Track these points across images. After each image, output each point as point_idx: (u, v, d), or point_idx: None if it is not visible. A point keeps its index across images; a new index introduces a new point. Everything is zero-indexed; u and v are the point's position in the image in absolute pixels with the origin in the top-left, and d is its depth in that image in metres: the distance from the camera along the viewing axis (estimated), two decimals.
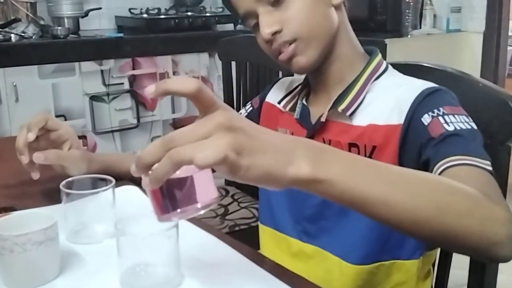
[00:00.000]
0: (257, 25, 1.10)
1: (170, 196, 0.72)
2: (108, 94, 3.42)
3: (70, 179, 1.04)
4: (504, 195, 1.07)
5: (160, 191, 0.71)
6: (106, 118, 3.45)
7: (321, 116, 1.12)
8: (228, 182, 2.28)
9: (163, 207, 0.72)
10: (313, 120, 1.14)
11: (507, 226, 0.79)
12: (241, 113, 1.34)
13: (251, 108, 1.33)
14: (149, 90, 0.70)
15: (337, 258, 1.11)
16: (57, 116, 3.25)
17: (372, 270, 1.09)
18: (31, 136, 1.16)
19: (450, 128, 0.96)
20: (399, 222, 0.75)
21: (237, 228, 1.91)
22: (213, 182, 0.74)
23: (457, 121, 0.98)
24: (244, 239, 1.03)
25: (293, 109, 1.20)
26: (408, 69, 1.22)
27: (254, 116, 1.30)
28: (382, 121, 1.05)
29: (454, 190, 0.79)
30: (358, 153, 1.07)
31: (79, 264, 0.94)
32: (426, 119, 1.00)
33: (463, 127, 0.97)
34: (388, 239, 1.08)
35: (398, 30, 3.42)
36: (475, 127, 0.98)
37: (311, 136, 1.13)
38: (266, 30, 1.07)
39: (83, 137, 3.39)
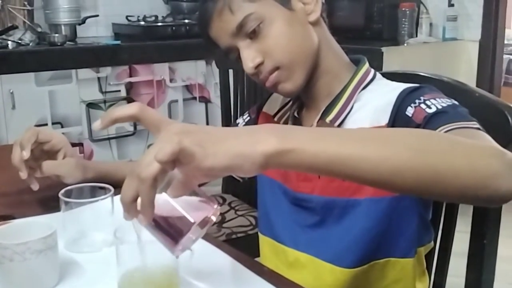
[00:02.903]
0: (240, 58, 1.10)
1: (168, 229, 0.73)
2: (105, 102, 3.42)
3: (69, 187, 1.05)
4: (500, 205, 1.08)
5: (158, 228, 0.73)
6: None
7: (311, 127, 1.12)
8: (225, 190, 2.28)
9: (170, 241, 0.74)
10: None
11: (500, 156, 0.75)
12: (238, 123, 1.34)
13: (248, 117, 1.33)
14: (96, 124, 0.72)
15: (329, 264, 1.11)
16: (53, 123, 3.25)
17: (366, 270, 1.10)
18: (26, 154, 1.20)
19: (432, 109, 0.97)
20: (379, 175, 0.73)
21: (234, 236, 1.91)
22: (203, 197, 0.77)
23: (438, 102, 0.98)
24: (241, 247, 1.03)
25: (286, 122, 1.20)
26: (405, 78, 1.22)
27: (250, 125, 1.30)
28: (368, 124, 1.06)
29: (429, 134, 0.78)
30: None
31: (78, 272, 0.94)
32: (409, 111, 1.00)
33: (444, 104, 0.97)
34: (381, 240, 1.08)
35: (394, 39, 3.43)
36: (456, 102, 0.99)
37: None
38: (249, 64, 1.07)
39: (79, 145, 3.39)
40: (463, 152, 0.74)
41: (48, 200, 1.22)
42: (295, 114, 1.18)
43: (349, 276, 1.10)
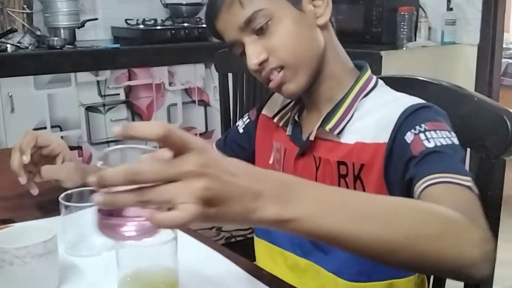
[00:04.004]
0: (244, 53, 1.10)
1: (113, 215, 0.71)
2: (104, 105, 3.43)
3: (69, 191, 1.05)
4: (499, 208, 1.08)
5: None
6: (101, 129, 3.45)
7: (310, 134, 1.12)
8: None
9: (105, 222, 0.71)
10: (305, 137, 1.15)
11: (482, 246, 0.78)
12: (238, 125, 1.34)
13: (248, 120, 1.33)
14: (116, 129, 0.68)
15: (332, 274, 1.11)
16: (52, 126, 3.25)
17: (369, 286, 1.09)
18: (26, 159, 1.21)
19: (431, 144, 0.96)
20: (371, 254, 0.76)
21: (233, 240, 1.91)
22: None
23: (438, 137, 0.97)
24: (240, 251, 1.04)
25: (286, 124, 1.20)
26: (404, 82, 1.23)
27: (251, 128, 1.30)
28: (370, 139, 1.05)
29: (426, 214, 0.78)
30: (347, 171, 1.07)
31: (78, 276, 0.95)
32: (409, 137, 0.99)
33: (444, 143, 0.96)
34: None
35: (393, 42, 3.44)
36: (456, 142, 0.98)
37: (302, 153, 1.14)
38: (253, 61, 1.07)
39: (78, 148, 3.39)
40: (453, 240, 0.77)
41: (48, 204, 1.23)
42: (296, 117, 1.18)
43: None
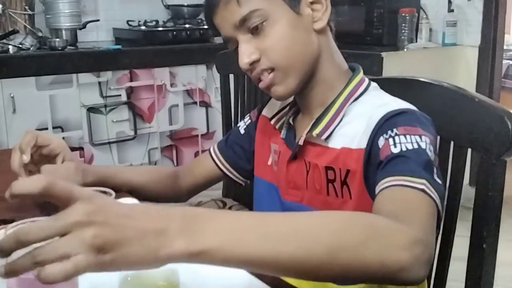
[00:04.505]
0: (237, 50, 1.09)
1: None
2: (105, 106, 3.43)
3: None
4: (500, 209, 1.08)
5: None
6: (103, 129, 3.46)
7: (300, 138, 1.12)
8: (225, 194, 2.28)
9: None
10: (297, 140, 1.14)
11: (411, 249, 0.76)
12: (239, 126, 1.35)
13: (249, 120, 1.33)
14: (7, 193, 0.66)
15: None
16: (54, 127, 3.26)
17: None
18: (26, 158, 1.21)
19: (396, 149, 0.95)
20: (294, 274, 0.74)
21: None
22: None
23: (406, 142, 0.96)
24: None
25: (282, 127, 1.20)
26: (405, 84, 1.23)
27: (252, 130, 1.31)
28: (355, 145, 1.05)
29: (347, 224, 0.75)
30: (335, 177, 1.07)
31: (80, 277, 0.94)
32: (380, 142, 0.99)
33: (409, 147, 0.95)
34: None
35: (394, 44, 3.45)
36: (423, 146, 0.96)
37: (294, 157, 1.14)
38: (244, 60, 1.07)
39: (80, 149, 3.39)
40: (377, 247, 0.75)
41: (49, 204, 1.22)
42: (290, 121, 1.18)
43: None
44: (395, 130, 0.98)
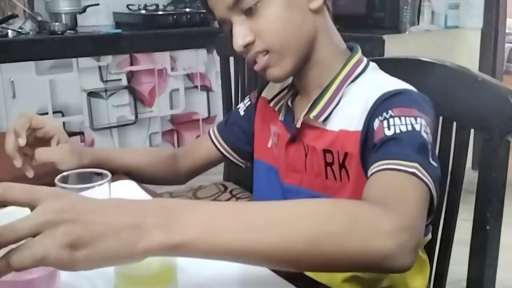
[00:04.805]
0: (232, 32, 1.07)
1: None
2: (106, 90, 3.41)
3: (65, 173, 1.03)
4: (503, 190, 1.06)
5: None
6: (103, 114, 3.44)
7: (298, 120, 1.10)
8: (226, 178, 2.27)
9: None
10: (296, 123, 1.13)
11: (395, 236, 0.74)
12: (239, 107, 1.33)
13: (249, 102, 1.31)
14: None
15: None
16: (54, 112, 3.24)
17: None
18: (22, 142, 1.19)
19: (390, 132, 0.93)
20: (274, 264, 0.74)
21: None
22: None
23: (400, 124, 0.93)
24: None
25: (280, 110, 1.18)
26: (407, 64, 1.21)
27: (252, 111, 1.29)
28: (352, 127, 1.03)
29: (329, 212, 0.74)
30: (333, 160, 1.05)
31: None
32: (375, 124, 0.97)
33: (403, 130, 0.93)
34: None
35: (396, 27, 3.42)
36: (418, 128, 0.93)
37: (292, 139, 1.13)
38: (238, 42, 1.04)
39: (80, 134, 3.38)
40: (361, 235, 0.73)
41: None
42: (289, 103, 1.16)
43: (342, 276, 1.07)
44: (390, 112, 0.96)
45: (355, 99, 1.05)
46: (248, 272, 0.88)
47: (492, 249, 1.09)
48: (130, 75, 3.48)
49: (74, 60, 3.27)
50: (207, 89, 3.76)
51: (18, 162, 1.21)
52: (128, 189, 1.21)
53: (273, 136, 1.21)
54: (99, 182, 1.00)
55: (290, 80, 1.18)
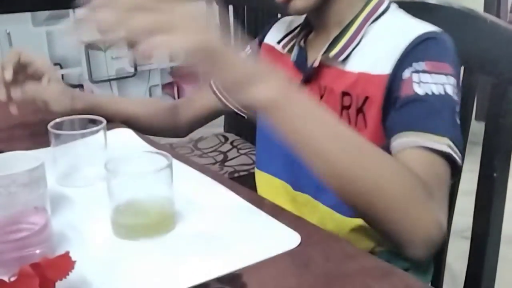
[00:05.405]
0: None
1: None
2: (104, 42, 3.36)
3: (58, 120, 1.00)
4: (511, 137, 1.03)
5: None
6: (102, 66, 3.40)
7: (315, 60, 1.06)
8: (227, 129, 2.25)
9: None
10: (310, 63, 1.09)
11: (425, 230, 0.79)
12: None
13: (250, 51, 1.27)
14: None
15: (328, 209, 1.06)
16: (53, 64, 3.20)
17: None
18: (8, 75, 1.14)
19: (420, 90, 0.90)
20: (325, 174, 0.79)
21: (236, 175, 1.88)
22: None
23: (432, 82, 0.91)
24: (244, 185, 1.00)
25: (291, 50, 1.14)
26: (414, 7, 1.16)
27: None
28: (375, 71, 0.99)
29: (396, 171, 0.79)
30: (350, 103, 1.02)
31: (70, 207, 0.91)
32: (405, 74, 0.93)
33: (435, 91, 0.90)
34: None
35: None
36: (449, 90, 0.91)
37: (306, 80, 1.09)
38: None
39: (79, 86, 3.35)
40: (405, 210, 0.78)
41: (39, 135, 1.18)
42: (301, 43, 1.12)
43: (349, 224, 1.05)
44: (422, 64, 0.92)
45: (378, 40, 1.02)
46: (246, 221, 0.86)
47: (498, 198, 1.06)
48: None
49: (70, 10, 3.20)
50: None
51: (2, 93, 1.16)
52: (125, 138, 1.18)
53: None
54: (94, 128, 0.97)
55: (301, 19, 1.15)
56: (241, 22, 2.14)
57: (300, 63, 1.11)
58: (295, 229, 0.82)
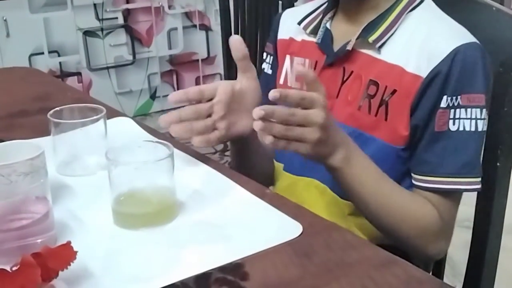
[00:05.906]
0: None
1: None
2: (102, 29, 3.35)
3: (58, 108, 0.99)
4: None
5: None
6: (100, 54, 3.38)
7: (347, 43, 1.04)
8: None
9: None
10: (336, 46, 1.07)
11: (428, 255, 1.05)
12: (264, 68, 1.24)
13: (269, 56, 1.23)
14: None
15: (332, 193, 1.06)
16: (50, 52, 3.19)
17: None
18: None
19: (454, 127, 0.95)
20: (362, 211, 1.00)
21: None
22: None
23: (466, 117, 0.95)
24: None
25: (314, 31, 1.12)
26: None
27: (274, 63, 1.22)
28: (409, 68, 0.98)
29: (414, 217, 0.99)
30: (376, 93, 1.00)
31: (71, 196, 0.91)
32: (443, 102, 0.95)
33: (467, 128, 0.95)
34: None
35: None
36: (480, 126, 0.96)
37: (330, 63, 1.07)
38: None
39: (78, 74, 3.33)
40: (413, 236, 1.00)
41: (39, 124, 1.17)
42: (328, 25, 1.10)
43: (350, 207, 1.05)
44: (459, 98, 0.95)
45: (413, 30, 1.01)
46: (247, 210, 0.86)
47: (501, 187, 1.06)
48: (127, 13, 3.40)
49: None
50: (206, 28, 3.69)
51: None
52: (125, 127, 1.18)
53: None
54: (93, 117, 0.96)
55: (320, 1, 1.14)
56: (242, 11, 2.13)
57: (325, 45, 1.09)
58: (296, 218, 0.82)
